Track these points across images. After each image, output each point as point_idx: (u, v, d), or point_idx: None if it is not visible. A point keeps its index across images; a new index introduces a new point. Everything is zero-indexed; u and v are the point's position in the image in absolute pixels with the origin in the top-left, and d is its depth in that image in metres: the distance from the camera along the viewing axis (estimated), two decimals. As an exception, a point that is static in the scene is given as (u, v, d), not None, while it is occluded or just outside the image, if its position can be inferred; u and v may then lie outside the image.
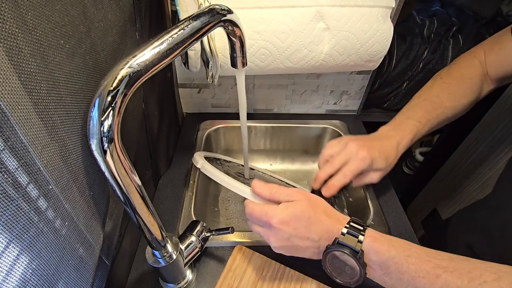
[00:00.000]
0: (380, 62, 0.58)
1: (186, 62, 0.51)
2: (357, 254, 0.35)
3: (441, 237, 0.89)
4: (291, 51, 0.52)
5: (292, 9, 0.49)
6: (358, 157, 0.49)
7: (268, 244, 0.55)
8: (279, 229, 0.38)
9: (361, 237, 0.36)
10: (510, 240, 0.48)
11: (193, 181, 0.64)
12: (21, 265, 0.23)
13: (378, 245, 0.36)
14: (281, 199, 0.40)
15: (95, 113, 0.24)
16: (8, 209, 0.21)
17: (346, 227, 0.37)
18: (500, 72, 0.52)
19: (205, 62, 0.53)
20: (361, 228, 0.37)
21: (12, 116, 0.21)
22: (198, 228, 0.47)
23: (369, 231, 0.37)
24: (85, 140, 0.31)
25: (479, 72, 0.54)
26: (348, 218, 0.39)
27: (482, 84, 0.54)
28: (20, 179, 0.22)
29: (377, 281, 0.37)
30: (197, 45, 0.48)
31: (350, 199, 0.70)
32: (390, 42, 0.55)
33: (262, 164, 0.85)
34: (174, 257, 0.41)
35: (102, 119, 0.24)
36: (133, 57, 0.25)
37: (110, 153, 0.26)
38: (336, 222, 0.38)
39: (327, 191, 0.50)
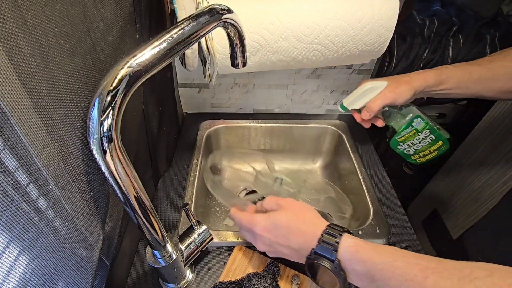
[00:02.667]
0: (381, 53, 0.57)
1: (183, 61, 0.51)
2: (333, 264, 0.36)
3: (442, 237, 0.89)
4: (281, 43, 0.51)
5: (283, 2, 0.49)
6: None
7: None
8: (261, 236, 0.42)
9: (336, 245, 0.36)
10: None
11: (193, 181, 0.64)
12: (21, 265, 0.23)
13: (361, 255, 0.35)
14: (268, 208, 0.46)
15: (95, 113, 0.24)
16: (8, 209, 0.21)
17: (319, 238, 0.38)
18: None
19: (203, 61, 0.53)
20: (337, 234, 0.38)
21: (12, 116, 0.21)
22: (198, 228, 0.47)
23: (346, 238, 0.37)
24: (85, 140, 0.31)
25: None
26: (326, 224, 0.40)
27: None
28: (20, 179, 0.22)
29: None
30: (194, 44, 0.48)
31: (351, 196, 0.70)
32: (391, 32, 0.52)
33: (262, 163, 0.85)
34: (174, 257, 0.41)
35: (102, 118, 0.24)
36: (133, 56, 0.25)
37: (110, 153, 0.26)
38: (315, 231, 0.39)
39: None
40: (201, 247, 0.47)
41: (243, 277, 0.47)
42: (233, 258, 0.51)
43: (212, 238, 0.49)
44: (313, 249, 0.38)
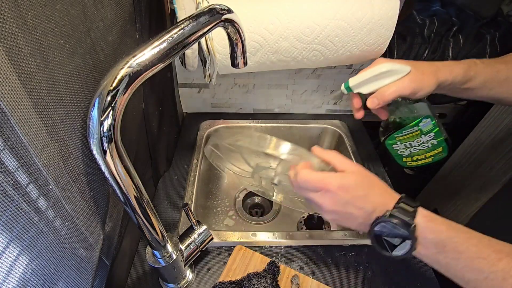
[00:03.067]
0: (381, 53, 0.56)
1: (183, 61, 0.51)
2: (410, 227, 0.36)
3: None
4: (281, 43, 0.50)
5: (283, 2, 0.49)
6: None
7: (269, 245, 0.55)
8: (337, 194, 0.39)
9: (415, 210, 0.37)
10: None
11: (193, 181, 0.64)
12: (21, 265, 0.23)
13: (435, 225, 0.36)
14: (337, 166, 0.42)
15: (95, 113, 0.24)
16: (8, 209, 0.21)
17: (398, 202, 0.38)
18: None
19: (203, 61, 0.53)
20: (414, 204, 0.38)
21: (12, 116, 0.21)
22: (198, 228, 0.47)
23: (421, 209, 0.38)
24: (85, 140, 0.30)
25: None
26: (400, 195, 0.40)
27: None
28: (20, 179, 0.22)
29: (427, 260, 0.37)
30: (194, 44, 0.48)
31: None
32: (391, 31, 0.52)
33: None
34: (174, 257, 0.41)
35: (102, 119, 0.24)
36: (133, 56, 0.25)
37: (110, 153, 0.26)
38: (391, 197, 0.39)
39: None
40: (201, 247, 0.47)
41: (243, 277, 0.47)
42: (233, 258, 0.51)
43: (212, 238, 0.49)
44: (388, 210, 0.38)
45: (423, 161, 0.53)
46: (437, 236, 0.35)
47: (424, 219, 0.36)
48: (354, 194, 0.39)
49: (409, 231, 0.36)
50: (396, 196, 0.39)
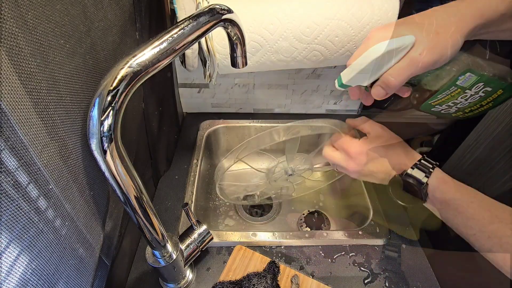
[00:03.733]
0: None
1: (183, 61, 0.51)
2: (422, 185, 0.41)
3: (442, 237, 0.89)
4: (281, 43, 0.50)
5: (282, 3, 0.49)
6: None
7: (269, 245, 0.55)
8: (356, 158, 0.46)
9: (430, 172, 0.42)
10: None
11: (193, 181, 0.64)
12: (21, 265, 0.23)
13: (445, 187, 0.41)
14: (364, 129, 0.49)
15: (95, 113, 0.24)
16: (8, 209, 0.21)
17: (416, 163, 0.43)
18: None
19: (203, 61, 0.53)
20: (430, 166, 0.43)
21: (12, 116, 0.21)
22: (198, 228, 0.47)
23: (438, 171, 0.42)
24: (85, 140, 0.31)
25: None
26: (420, 156, 0.45)
27: None
28: (20, 179, 0.22)
29: (432, 210, 0.44)
30: (194, 44, 0.48)
31: (351, 197, 0.70)
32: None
33: (263, 164, 0.85)
34: (174, 257, 0.41)
35: (102, 118, 0.24)
36: (133, 56, 0.25)
37: (110, 153, 0.26)
38: (410, 157, 0.44)
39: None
40: (201, 247, 0.47)
41: (243, 277, 0.47)
42: (233, 258, 0.51)
43: (212, 238, 0.49)
44: (405, 170, 0.43)
45: (481, 110, 0.41)
46: (443, 196, 0.41)
47: (437, 180, 0.42)
48: (372, 156, 0.45)
49: (421, 189, 0.41)
50: (417, 157, 0.44)
